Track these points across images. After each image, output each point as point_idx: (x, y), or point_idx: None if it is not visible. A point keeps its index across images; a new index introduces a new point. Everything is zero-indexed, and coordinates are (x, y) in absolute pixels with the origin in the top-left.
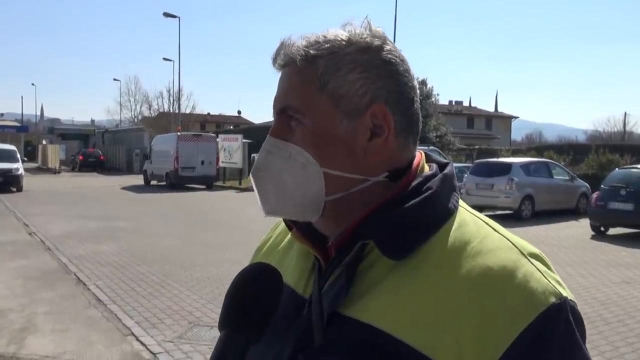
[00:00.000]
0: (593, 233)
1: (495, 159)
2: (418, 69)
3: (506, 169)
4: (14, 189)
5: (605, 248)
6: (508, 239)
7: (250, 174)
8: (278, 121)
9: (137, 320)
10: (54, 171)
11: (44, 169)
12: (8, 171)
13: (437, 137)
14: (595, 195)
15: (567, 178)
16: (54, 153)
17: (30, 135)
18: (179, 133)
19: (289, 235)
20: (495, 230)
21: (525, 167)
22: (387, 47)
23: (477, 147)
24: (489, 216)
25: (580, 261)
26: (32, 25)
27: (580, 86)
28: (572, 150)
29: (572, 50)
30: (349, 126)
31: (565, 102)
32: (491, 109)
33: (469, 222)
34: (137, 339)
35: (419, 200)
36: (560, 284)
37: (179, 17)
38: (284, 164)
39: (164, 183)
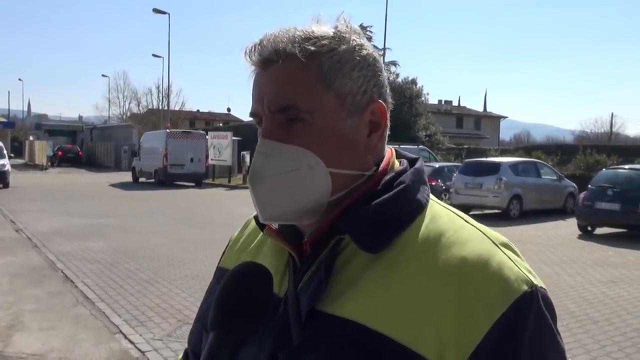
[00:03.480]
0: (580, 233)
1: (484, 159)
2: (408, 68)
3: (495, 168)
4: (1, 185)
5: (592, 247)
6: (480, 230)
7: (248, 181)
8: (273, 120)
9: (126, 319)
10: (41, 167)
11: (31, 165)
12: None
13: (427, 137)
14: (582, 195)
15: (555, 178)
16: (41, 149)
17: (17, 131)
18: (168, 130)
19: (260, 235)
20: (466, 221)
21: (513, 166)
22: (370, 46)
23: (466, 146)
24: (477, 215)
25: (567, 260)
26: (20, 20)
27: (568, 87)
28: (559, 151)
29: (561, 51)
30: (353, 123)
31: (554, 102)
32: (480, 109)
33: (441, 214)
34: (126, 337)
35: (393, 194)
36: (530, 272)
37: (169, 14)
38: (286, 167)
39: (152, 180)
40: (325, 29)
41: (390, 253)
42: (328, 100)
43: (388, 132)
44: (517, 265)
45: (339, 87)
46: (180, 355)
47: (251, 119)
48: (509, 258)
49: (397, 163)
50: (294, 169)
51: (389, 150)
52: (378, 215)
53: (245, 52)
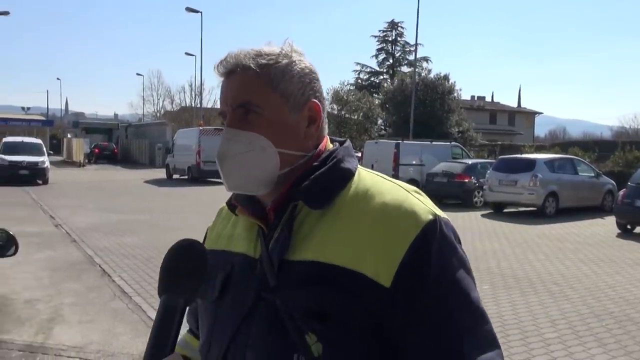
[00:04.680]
0: (619, 231)
1: (518, 155)
2: (440, 64)
3: (530, 165)
4: (40, 182)
5: (632, 246)
6: (395, 183)
7: (216, 160)
8: (234, 114)
9: None
10: (78, 164)
11: (68, 162)
12: (34, 164)
13: (459, 133)
14: (621, 192)
15: (593, 175)
16: (79, 147)
17: (55, 129)
18: (201, 127)
19: (232, 220)
20: (385, 178)
21: (549, 163)
22: (307, 60)
23: (499, 143)
24: (512, 213)
25: (606, 259)
26: (57, 21)
27: (606, 81)
28: (597, 147)
29: (598, 45)
30: (295, 117)
31: (591, 97)
32: (514, 105)
33: (366, 176)
34: None
35: (329, 166)
36: (435, 207)
37: (201, 12)
38: (244, 149)
39: (186, 177)
40: (272, 49)
41: (333, 209)
42: (275, 99)
43: (326, 125)
44: (424, 204)
45: (283, 89)
46: (184, 334)
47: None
48: (418, 199)
49: (330, 145)
50: (251, 150)
51: (325, 137)
52: (320, 182)
53: (214, 67)
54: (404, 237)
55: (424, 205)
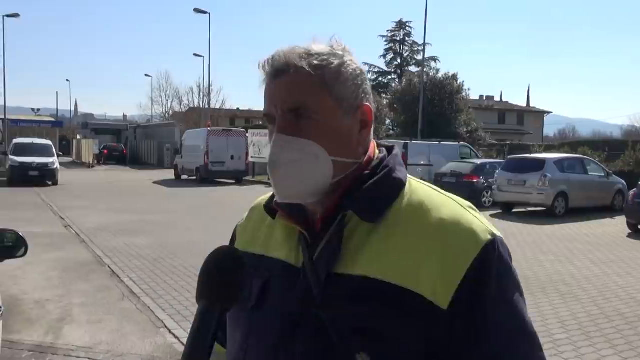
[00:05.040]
0: (630, 231)
1: (528, 155)
2: (448, 64)
3: (539, 165)
4: (50, 183)
5: None
6: (448, 197)
7: (267, 168)
8: (285, 119)
9: (170, 313)
10: (87, 165)
11: (78, 163)
12: (44, 165)
13: (468, 133)
14: (632, 192)
15: (603, 174)
16: (88, 148)
17: (65, 130)
18: (209, 128)
19: (267, 222)
20: (437, 191)
21: (559, 163)
22: (356, 59)
23: (508, 142)
24: (521, 213)
25: (616, 260)
26: (66, 23)
27: (616, 80)
28: (607, 146)
29: (607, 44)
30: (348, 121)
31: (600, 97)
32: (523, 104)
33: (418, 187)
34: (170, 332)
35: (381, 175)
36: (491, 226)
37: (209, 13)
38: (297, 157)
39: (194, 177)
40: (322, 47)
41: (386, 221)
42: (329, 103)
43: (373, 127)
44: (480, 221)
45: (337, 93)
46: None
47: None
48: (474, 216)
49: (377, 151)
50: (304, 158)
51: (372, 142)
52: (373, 193)
53: (260, 65)
54: (463, 257)
55: (481, 224)
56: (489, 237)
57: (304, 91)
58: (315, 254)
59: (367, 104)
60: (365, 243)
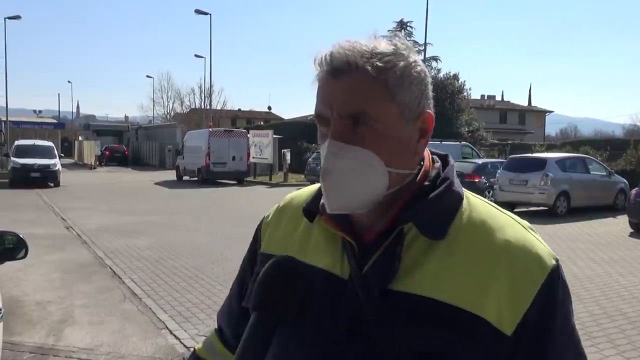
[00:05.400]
0: (632, 230)
1: (529, 154)
2: (449, 63)
3: (541, 164)
4: (52, 184)
5: None
6: (509, 216)
7: (320, 176)
8: (341, 124)
9: (171, 314)
10: (89, 167)
11: (80, 165)
12: (46, 167)
13: (469, 132)
14: (634, 191)
15: (605, 174)
16: (90, 149)
17: (66, 132)
18: (210, 129)
19: (303, 224)
20: (496, 208)
21: (560, 162)
22: (420, 60)
23: (510, 142)
24: (522, 212)
25: (618, 259)
26: (68, 24)
27: (618, 79)
28: (609, 145)
29: (609, 43)
30: (408, 130)
31: (602, 96)
32: (524, 103)
33: (477, 203)
34: (171, 333)
35: (443, 189)
36: (550, 248)
37: (210, 14)
38: (351, 166)
39: (196, 178)
40: (385, 46)
41: (446, 239)
42: (391, 110)
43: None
44: (543, 244)
45: (401, 99)
46: (209, 336)
47: (291, 117)
48: (537, 238)
49: (432, 161)
50: (358, 168)
51: (427, 151)
52: (436, 207)
53: (316, 60)
54: (531, 283)
55: (544, 247)
56: (554, 262)
57: (366, 97)
58: (365, 266)
59: (429, 110)
60: (424, 260)
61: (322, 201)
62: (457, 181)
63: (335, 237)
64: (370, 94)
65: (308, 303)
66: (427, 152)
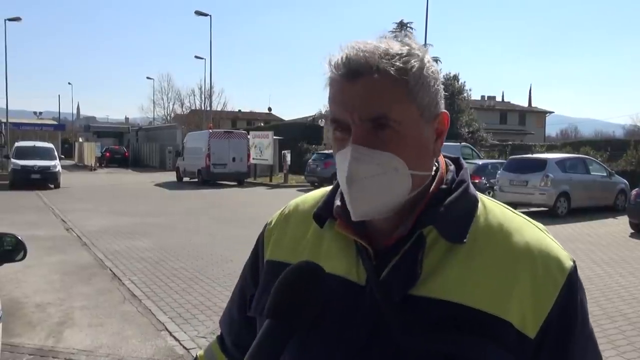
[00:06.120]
0: (632, 231)
1: (529, 155)
2: (449, 64)
3: (541, 165)
4: (52, 186)
5: None
6: (525, 218)
7: (345, 183)
8: (362, 128)
9: (171, 316)
10: (89, 168)
11: (80, 166)
12: (46, 168)
13: (470, 133)
14: (634, 191)
15: (605, 174)
16: (90, 150)
17: (67, 133)
18: (210, 130)
19: (312, 228)
20: (511, 210)
21: (560, 163)
22: (433, 61)
23: (510, 142)
24: (523, 213)
25: (619, 260)
26: (68, 26)
27: (618, 80)
28: (609, 146)
29: (609, 43)
30: (427, 131)
31: (603, 96)
32: (525, 104)
33: (492, 206)
34: (171, 334)
35: (461, 192)
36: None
37: (210, 16)
38: (375, 171)
39: (196, 179)
40: (399, 46)
41: (465, 242)
42: (413, 112)
43: None
44: (559, 246)
45: (421, 100)
46: (210, 343)
47: (291, 118)
48: (553, 240)
49: (445, 163)
50: (383, 172)
51: (440, 154)
52: (456, 210)
53: (330, 62)
54: (552, 285)
55: (561, 249)
56: (572, 263)
57: (389, 99)
58: (383, 272)
59: (445, 111)
60: (445, 264)
61: (335, 206)
62: (472, 184)
63: (349, 242)
64: (392, 96)
65: (327, 310)
66: (441, 154)
